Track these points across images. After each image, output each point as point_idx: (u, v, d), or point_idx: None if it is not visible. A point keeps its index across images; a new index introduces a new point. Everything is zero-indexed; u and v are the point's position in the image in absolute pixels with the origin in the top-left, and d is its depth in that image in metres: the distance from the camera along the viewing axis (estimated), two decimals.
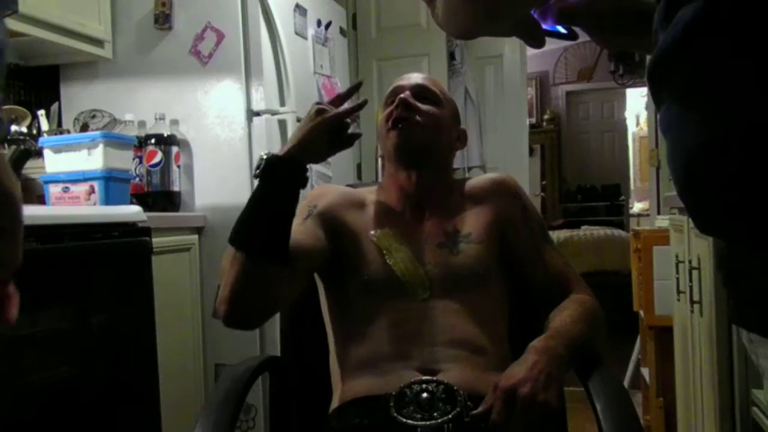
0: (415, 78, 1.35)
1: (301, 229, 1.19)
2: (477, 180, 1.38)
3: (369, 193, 1.36)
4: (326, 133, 1.13)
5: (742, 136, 0.49)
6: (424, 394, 1.07)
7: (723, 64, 0.50)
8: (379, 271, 1.22)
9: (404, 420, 1.05)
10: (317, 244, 1.21)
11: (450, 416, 1.05)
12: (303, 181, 1.12)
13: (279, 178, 1.10)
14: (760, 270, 0.51)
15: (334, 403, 1.20)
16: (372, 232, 1.26)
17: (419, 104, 1.28)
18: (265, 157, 1.10)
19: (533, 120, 7.30)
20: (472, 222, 1.28)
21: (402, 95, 1.28)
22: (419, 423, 1.05)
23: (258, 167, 1.10)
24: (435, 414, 1.05)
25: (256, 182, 1.11)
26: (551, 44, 0.93)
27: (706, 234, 0.58)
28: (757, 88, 0.48)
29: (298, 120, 2.40)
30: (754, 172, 0.48)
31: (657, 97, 0.58)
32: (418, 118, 1.27)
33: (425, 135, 1.28)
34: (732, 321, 0.60)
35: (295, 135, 1.14)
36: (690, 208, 0.56)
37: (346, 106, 1.17)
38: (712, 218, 0.54)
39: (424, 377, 1.11)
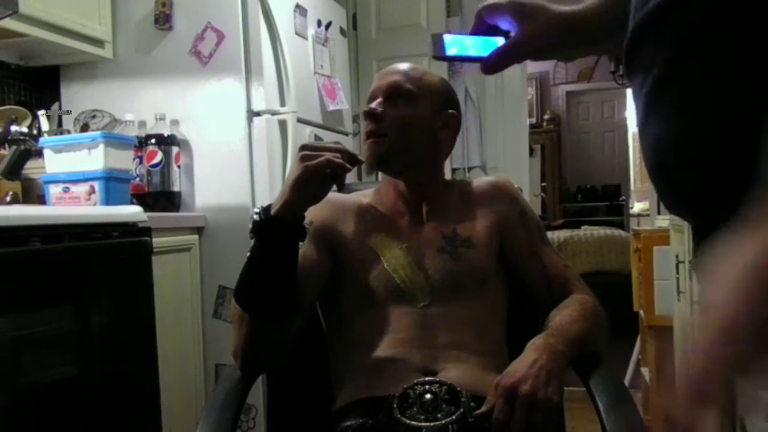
0: (390, 75, 1.28)
1: (301, 255, 1.16)
2: (475, 183, 1.36)
3: (366, 197, 1.35)
4: (314, 181, 1.03)
5: (711, 116, 0.49)
6: (428, 395, 1.07)
7: (691, 43, 0.51)
8: (378, 277, 1.21)
9: (408, 421, 1.05)
10: (319, 270, 1.20)
11: (454, 417, 1.05)
12: (300, 236, 1.07)
13: (272, 241, 1.05)
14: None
15: (336, 405, 1.19)
16: (370, 238, 1.26)
17: (388, 110, 1.24)
18: (256, 216, 1.05)
19: (533, 120, 7.29)
20: (472, 226, 1.28)
21: (371, 104, 1.25)
22: (423, 424, 1.04)
23: (252, 225, 1.05)
24: (438, 415, 1.05)
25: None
26: None
27: (672, 212, 0.59)
28: (729, 69, 0.48)
29: (299, 120, 2.41)
30: (722, 155, 0.49)
31: (630, 77, 0.59)
32: (387, 127, 1.23)
33: (396, 145, 1.23)
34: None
35: (284, 188, 1.05)
36: (659, 188, 0.57)
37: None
38: (680, 195, 0.55)
39: (427, 378, 1.10)
